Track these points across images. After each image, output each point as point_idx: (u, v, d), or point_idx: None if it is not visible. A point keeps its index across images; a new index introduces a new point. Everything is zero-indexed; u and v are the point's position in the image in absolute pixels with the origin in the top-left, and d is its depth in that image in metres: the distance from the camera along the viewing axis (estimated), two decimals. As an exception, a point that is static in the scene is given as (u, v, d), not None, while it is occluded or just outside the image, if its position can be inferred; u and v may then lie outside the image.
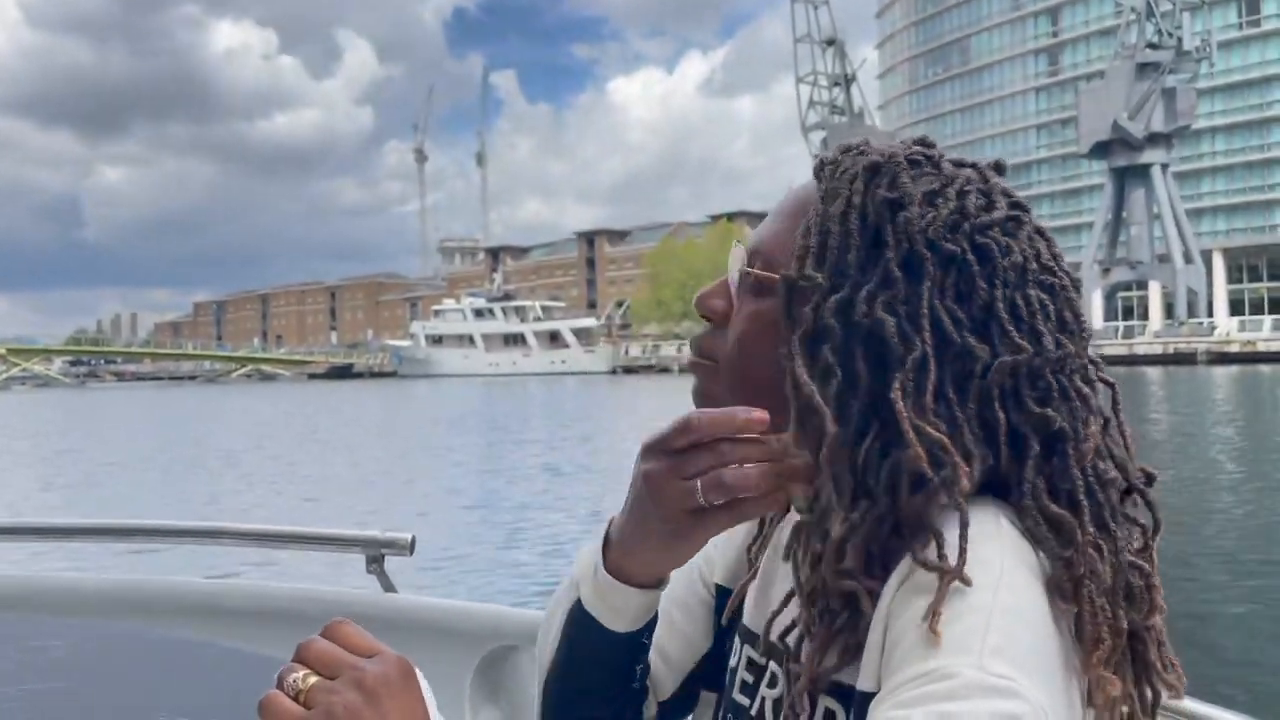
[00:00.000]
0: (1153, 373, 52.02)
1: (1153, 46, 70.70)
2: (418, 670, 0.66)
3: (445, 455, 23.38)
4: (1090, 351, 0.83)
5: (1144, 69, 69.95)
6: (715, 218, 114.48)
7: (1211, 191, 78.89)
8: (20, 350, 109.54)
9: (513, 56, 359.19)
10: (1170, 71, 69.57)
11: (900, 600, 0.74)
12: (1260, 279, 75.36)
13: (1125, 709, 0.78)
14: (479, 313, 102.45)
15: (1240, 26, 77.38)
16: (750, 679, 0.92)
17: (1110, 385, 0.84)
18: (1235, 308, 73.90)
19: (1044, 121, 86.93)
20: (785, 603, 0.88)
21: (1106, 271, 72.66)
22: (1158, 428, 22.82)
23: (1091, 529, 0.76)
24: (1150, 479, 0.83)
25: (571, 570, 0.96)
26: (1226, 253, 75.55)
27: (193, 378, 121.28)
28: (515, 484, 17.56)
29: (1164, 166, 70.81)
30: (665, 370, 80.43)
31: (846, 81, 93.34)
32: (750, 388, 0.87)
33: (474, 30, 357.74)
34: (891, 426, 0.77)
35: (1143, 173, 70.97)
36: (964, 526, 0.73)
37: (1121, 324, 73.48)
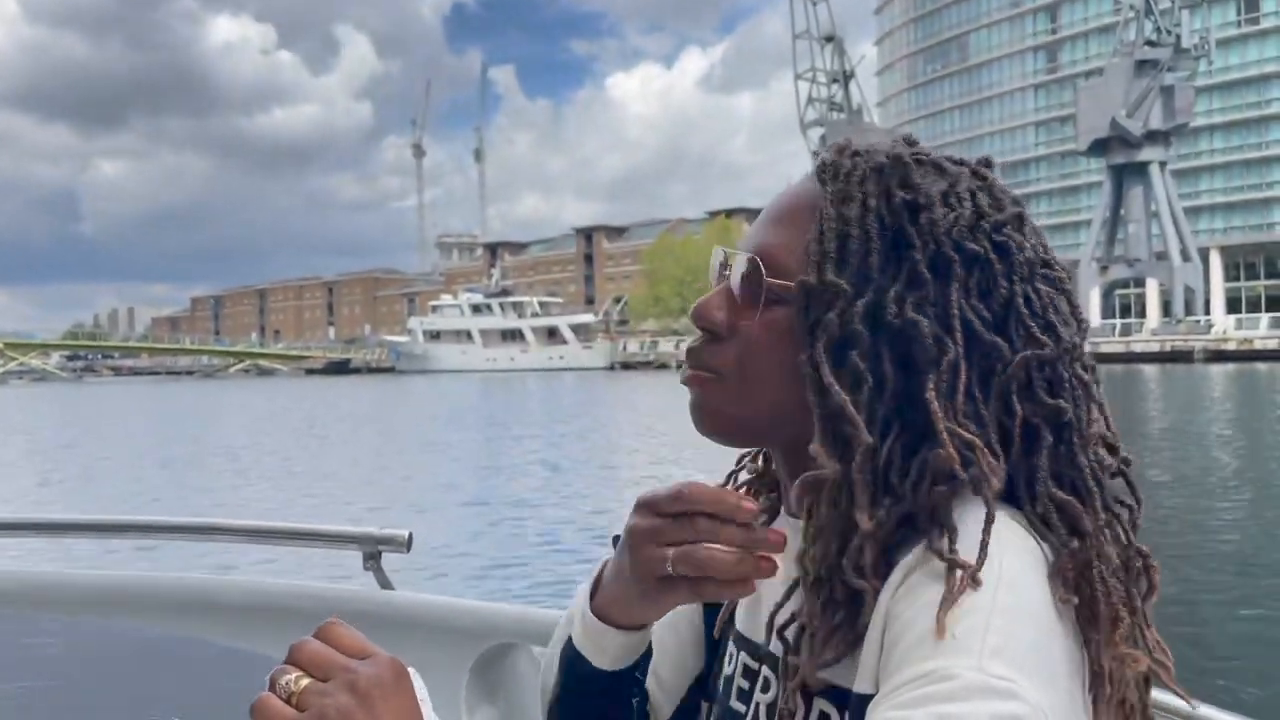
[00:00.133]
0: (1150, 370, 52.13)
1: (1151, 44, 70.67)
2: (412, 669, 0.66)
3: (442, 451, 23.33)
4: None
5: (1142, 66, 69.93)
6: (714, 214, 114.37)
7: (1209, 189, 78.93)
8: (17, 344, 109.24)
9: (511, 52, 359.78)
10: (1169, 69, 69.55)
11: (902, 597, 0.74)
12: (1257, 277, 75.34)
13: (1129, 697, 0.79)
14: (477, 308, 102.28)
15: (1239, 24, 77.39)
16: (746, 685, 0.92)
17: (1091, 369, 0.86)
18: (1232, 305, 73.88)
19: (1042, 119, 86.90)
20: (787, 596, 0.87)
21: (1104, 269, 72.64)
22: (1155, 425, 22.84)
23: (1103, 514, 0.78)
24: (1127, 462, 0.84)
25: (572, 602, 0.97)
26: (1224, 250, 75.52)
27: (190, 373, 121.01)
28: (513, 480, 17.56)
29: (1162, 164, 70.78)
30: (663, 366, 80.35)
31: (845, 78, 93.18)
32: (762, 400, 0.86)
33: (473, 25, 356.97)
34: (918, 427, 0.78)
35: (1141, 170, 70.97)
36: (989, 522, 0.74)
37: (1119, 321, 73.46)
